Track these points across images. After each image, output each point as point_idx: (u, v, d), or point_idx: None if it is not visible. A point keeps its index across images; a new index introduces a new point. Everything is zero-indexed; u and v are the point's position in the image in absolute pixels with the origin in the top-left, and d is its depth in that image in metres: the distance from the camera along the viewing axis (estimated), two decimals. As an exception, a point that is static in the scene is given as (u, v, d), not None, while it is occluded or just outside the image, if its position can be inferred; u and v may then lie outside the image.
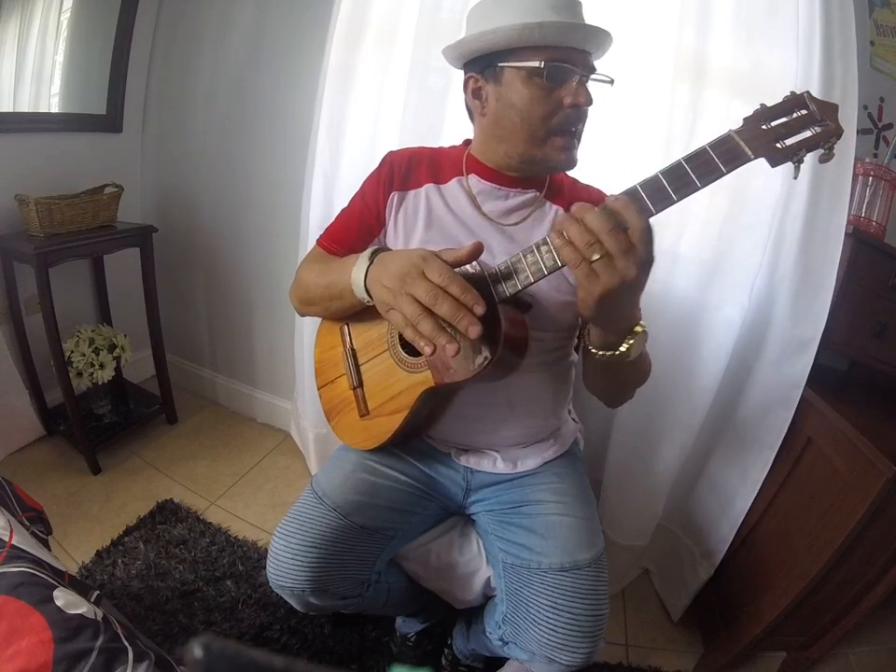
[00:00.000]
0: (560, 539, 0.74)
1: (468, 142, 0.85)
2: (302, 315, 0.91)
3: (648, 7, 0.98)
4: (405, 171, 0.81)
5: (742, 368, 1.07)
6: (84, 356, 1.46)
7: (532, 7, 0.66)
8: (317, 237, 0.88)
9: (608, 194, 0.82)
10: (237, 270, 1.70)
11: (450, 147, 0.87)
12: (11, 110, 1.39)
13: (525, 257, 0.62)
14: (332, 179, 1.23)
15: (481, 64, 0.73)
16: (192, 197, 1.69)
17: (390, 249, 0.74)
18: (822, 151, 0.51)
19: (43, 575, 0.59)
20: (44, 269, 1.28)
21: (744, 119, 0.52)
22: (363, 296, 0.69)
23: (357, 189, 0.87)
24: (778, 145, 0.51)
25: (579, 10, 0.70)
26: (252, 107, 1.49)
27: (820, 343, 0.97)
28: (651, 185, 0.54)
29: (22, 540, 0.65)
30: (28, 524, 0.77)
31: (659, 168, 0.54)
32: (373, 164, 1.18)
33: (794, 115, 0.51)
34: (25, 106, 1.42)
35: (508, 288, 0.64)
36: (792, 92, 0.52)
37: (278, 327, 1.67)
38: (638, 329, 0.62)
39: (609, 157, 1.04)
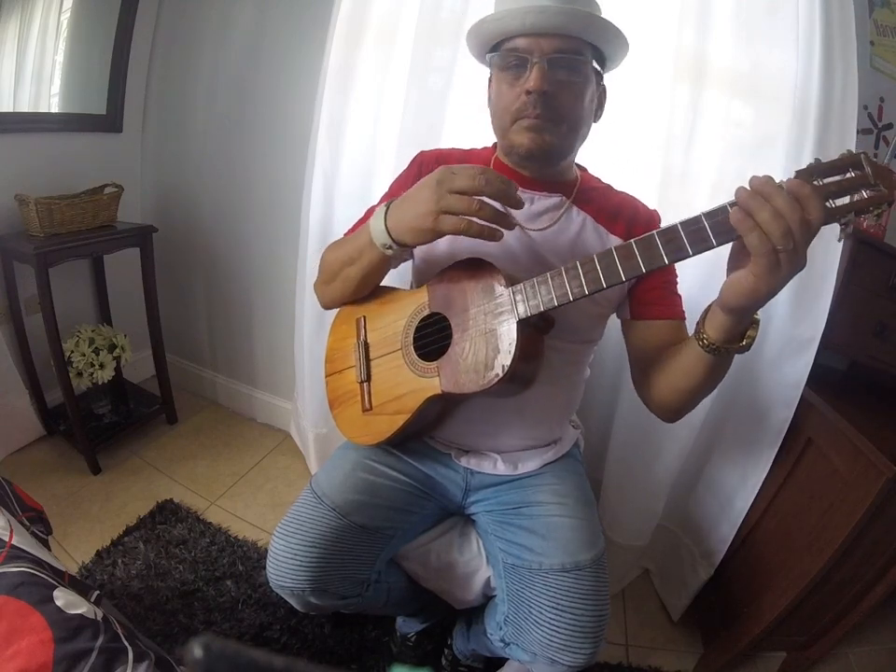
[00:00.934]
0: (561, 540, 0.74)
1: (496, 145, 0.84)
2: (326, 307, 0.89)
3: (648, 7, 0.98)
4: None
5: (742, 368, 1.07)
6: (84, 356, 1.46)
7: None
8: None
9: (640, 200, 0.81)
10: (237, 270, 1.70)
11: (481, 149, 0.86)
12: (11, 110, 1.39)
13: (551, 278, 0.61)
14: (332, 179, 1.23)
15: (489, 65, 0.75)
16: (192, 197, 1.69)
17: None
18: (870, 216, 0.49)
19: (43, 575, 0.59)
20: (44, 269, 1.28)
21: (796, 172, 0.49)
22: (384, 240, 0.67)
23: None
24: (828, 203, 0.48)
25: None
26: (252, 107, 1.49)
27: (820, 342, 0.97)
28: (693, 225, 0.52)
29: (22, 540, 0.65)
30: (28, 524, 0.77)
31: (703, 210, 0.52)
32: (373, 164, 1.20)
33: (847, 174, 0.49)
34: (25, 106, 1.42)
35: (530, 308, 0.62)
36: (849, 151, 0.50)
37: (278, 327, 1.67)
38: (757, 316, 0.58)
39: (609, 157, 1.04)
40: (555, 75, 0.67)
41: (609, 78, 0.77)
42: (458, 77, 1.09)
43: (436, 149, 0.86)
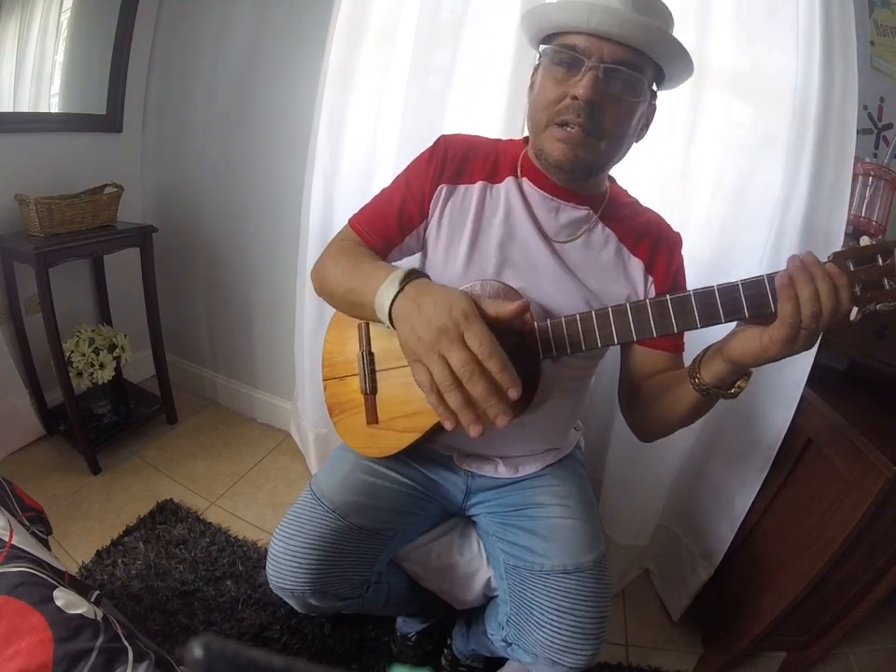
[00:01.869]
0: (562, 542, 0.74)
1: (527, 139, 0.77)
2: (320, 296, 0.82)
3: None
4: (460, 161, 0.75)
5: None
6: (84, 356, 1.46)
7: None
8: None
9: (664, 220, 0.79)
10: (237, 270, 1.70)
11: (507, 141, 0.80)
12: (11, 110, 1.39)
13: (581, 322, 0.59)
14: (332, 179, 1.23)
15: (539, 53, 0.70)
16: (192, 197, 1.69)
17: (426, 276, 0.63)
18: (885, 305, 0.50)
19: (43, 575, 0.59)
20: (44, 269, 1.28)
21: (834, 254, 0.51)
22: (386, 322, 0.61)
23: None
24: (855, 289, 0.50)
25: (646, 9, 0.61)
26: (252, 107, 1.49)
27: (820, 343, 0.96)
28: (730, 293, 0.53)
29: (22, 540, 0.65)
30: (28, 524, 0.77)
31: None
32: (373, 164, 1.20)
33: (877, 262, 0.50)
34: (25, 106, 1.41)
35: (556, 350, 0.60)
36: (881, 239, 0.51)
37: (278, 327, 1.67)
38: (750, 371, 0.59)
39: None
40: (608, 86, 0.62)
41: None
42: (458, 76, 1.09)
43: (462, 136, 0.78)
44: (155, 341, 1.67)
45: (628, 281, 0.76)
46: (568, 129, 0.64)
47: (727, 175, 1.00)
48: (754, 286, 0.52)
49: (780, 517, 1.05)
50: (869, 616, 1.00)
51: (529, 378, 0.59)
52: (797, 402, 1.00)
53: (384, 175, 1.18)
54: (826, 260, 0.51)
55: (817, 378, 0.99)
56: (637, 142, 0.73)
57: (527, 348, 0.61)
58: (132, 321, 1.74)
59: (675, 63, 0.66)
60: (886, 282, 0.50)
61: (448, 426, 0.53)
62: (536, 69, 0.71)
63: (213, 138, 1.58)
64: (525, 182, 0.74)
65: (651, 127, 0.75)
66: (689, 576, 1.21)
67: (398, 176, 0.79)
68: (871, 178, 1.01)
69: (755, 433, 1.06)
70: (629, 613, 1.27)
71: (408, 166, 0.79)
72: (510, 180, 0.75)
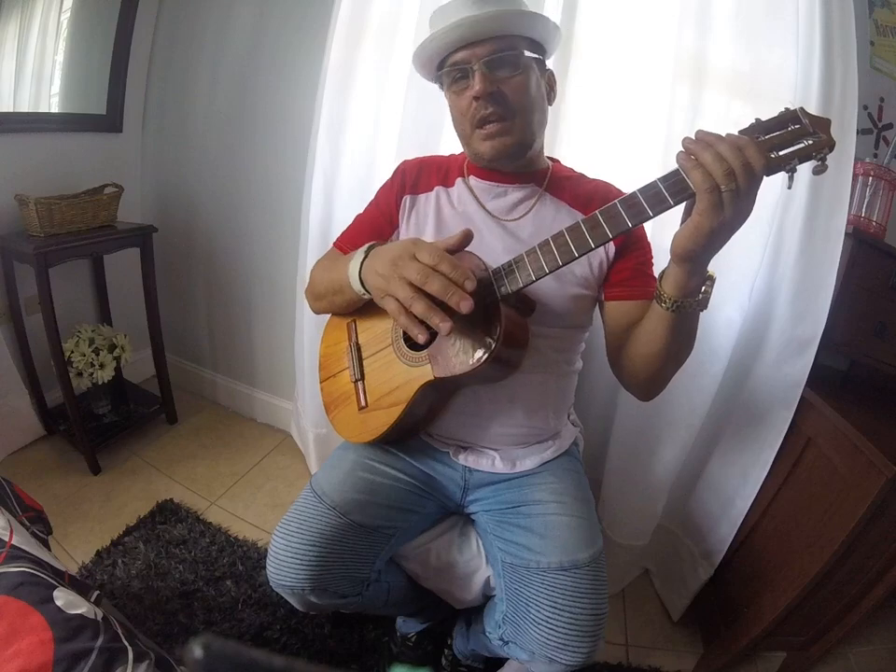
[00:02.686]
0: (559, 539, 0.74)
1: None
2: (317, 313, 0.92)
3: (648, 7, 0.98)
4: (416, 176, 0.86)
5: (742, 368, 1.07)
6: (84, 356, 1.46)
7: (450, 12, 0.71)
8: (336, 235, 0.92)
9: (613, 185, 0.83)
10: (237, 270, 1.70)
11: (459, 154, 0.90)
12: (11, 110, 1.39)
13: (526, 256, 0.64)
14: (332, 179, 1.23)
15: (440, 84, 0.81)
16: (192, 197, 1.69)
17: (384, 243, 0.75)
18: (816, 163, 0.53)
19: (43, 575, 0.59)
20: (44, 269, 1.28)
21: (739, 131, 0.54)
22: (359, 288, 0.71)
23: (360, 191, 0.88)
24: (772, 154, 0.53)
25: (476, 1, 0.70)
26: (252, 107, 1.49)
27: (820, 342, 0.97)
28: (650, 189, 0.56)
29: (22, 540, 0.65)
30: (28, 524, 0.77)
31: (658, 175, 0.56)
32: (373, 164, 1.20)
33: (788, 129, 0.53)
34: (25, 106, 1.42)
35: (510, 285, 0.65)
36: (787, 108, 0.54)
37: (278, 327, 1.67)
38: (712, 273, 0.62)
39: (609, 157, 1.04)
40: (496, 74, 0.71)
41: (614, 78, 0.78)
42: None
43: (417, 158, 0.90)
44: (155, 341, 1.67)
45: None
46: (487, 126, 0.73)
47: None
48: (670, 175, 0.55)
49: (780, 517, 1.05)
50: (869, 616, 1.00)
51: (491, 318, 0.66)
52: (797, 402, 1.00)
53: (384, 175, 1.17)
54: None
55: (817, 378, 0.99)
56: (550, 105, 0.81)
57: (486, 301, 0.66)
58: (132, 321, 1.74)
59: (536, 29, 0.74)
60: (804, 141, 0.52)
61: (420, 339, 0.61)
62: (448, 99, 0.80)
63: (213, 138, 1.58)
64: (472, 179, 0.84)
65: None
66: (689, 576, 1.21)
67: (369, 203, 0.92)
68: (871, 178, 1.01)
69: (755, 433, 1.06)
70: (629, 613, 1.27)
71: (376, 193, 0.91)
72: (459, 181, 0.85)
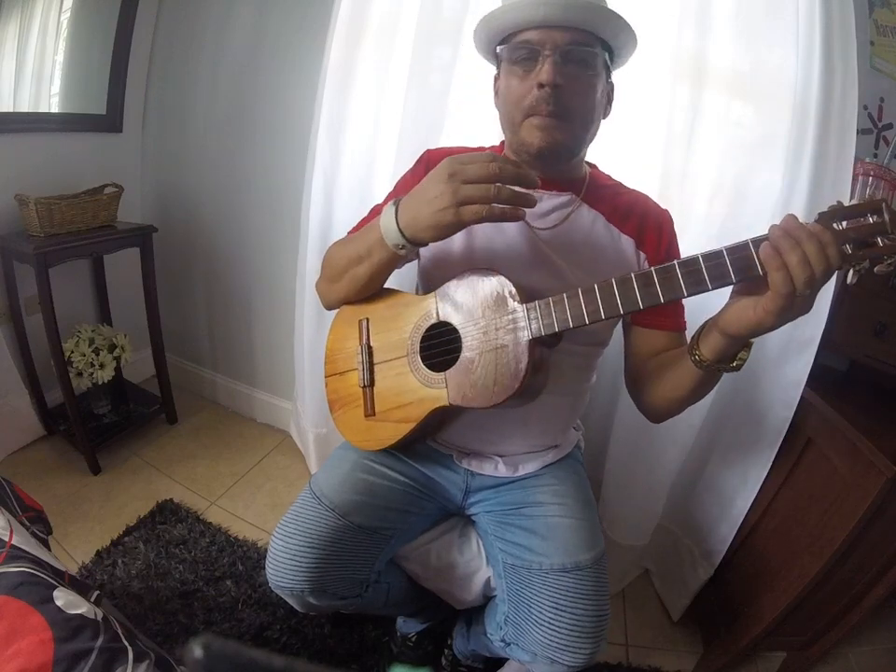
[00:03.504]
0: (561, 540, 0.74)
1: (503, 143, 0.83)
2: (329, 307, 0.86)
3: (648, 7, 0.98)
4: None
5: (742, 368, 1.07)
6: (84, 356, 1.46)
7: None
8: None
9: (651, 198, 0.81)
10: (237, 270, 1.70)
11: (489, 148, 0.85)
12: (11, 110, 1.39)
13: (567, 299, 0.60)
14: (332, 179, 1.23)
15: (497, 59, 0.74)
16: (192, 197, 1.69)
17: None
18: (883, 265, 0.49)
19: (43, 575, 0.59)
20: (44, 269, 1.28)
21: (819, 214, 0.50)
22: (397, 240, 0.65)
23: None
24: (845, 248, 0.49)
25: None
26: (252, 107, 1.49)
27: (820, 342, 0.97)
28: (714, 258, 0.52)
29: (22, 540, 0.65)
30: (28, 524, 0.77)
31: (724, 244, 0.52)
32: (373, 164, 1.20)
33: (867, 220, 0.49)
34: (25, 106, 1.41)
35: (544, 328, 0.61)
36: (871, 197, 0.50)
37: (278, 326, 1.67)
38: (751, 341, 0.59)
39: (609, 156, 1.04)
40: (567, 68, 0.66)
41: (614, 78, 0.77)
42: (459, 76, 1.09)
43: (443, 148, 0.84)
44: (155, 341, 1.67)
45: (620, 258, 0.77)
46: (543, 117, 0.68)
47: (727, 175, 1.00)
48: (738, 250, 0.51)
49: (780, 517, 1.05)
50: (869, 616, 1.00)
51: (519, 355, 0.63)
52: (797, 402, 1.00)
53: (384, 175, 1.18)
54: (813, 221, 0.50)
55: (817, 378, 0.99)
56: (604, 118, 0.76)
57: (517, 326, 0.63)
58: (132, 321, 1.74)
59: (619, 38, 0.70)
60: (879, 239, 0.48)
61: (520, 215, 0.59)
62: (497, 77, 0.76)
63: (213, 138, 1.58)
64: None
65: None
66: (689, 576, 1.20)
67: (388, 194, 0.86)
68: (871, 178, 1.01)
69: (755, 433, 1.06)
70: (629, 613, 1.27)
71: (396, 183, 0.85)
72: None
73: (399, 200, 0.66)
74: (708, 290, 0.53)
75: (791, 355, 0.99)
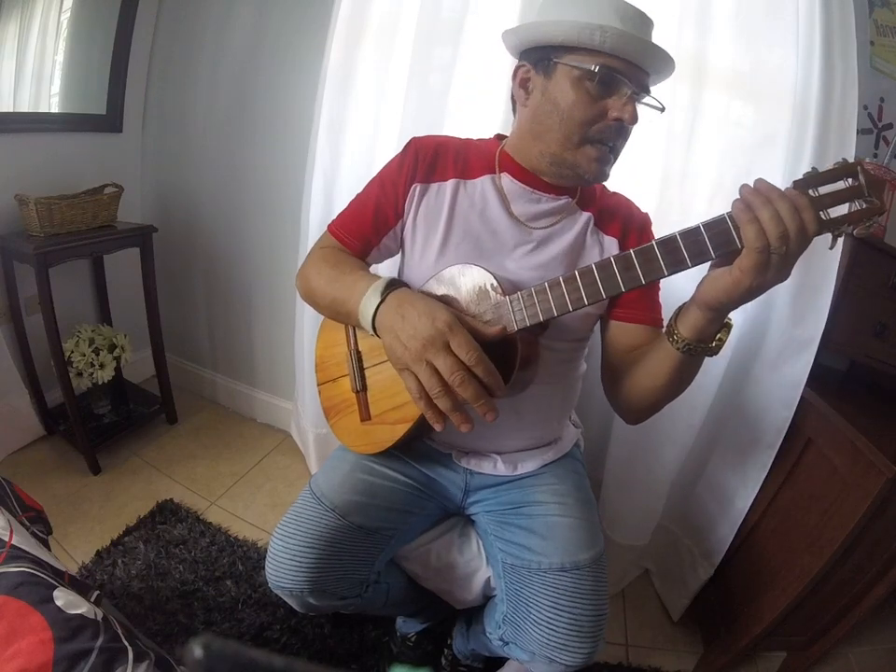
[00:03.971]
0: (560, 540, 0.74)
1: (500, 137, 0.83)
2: (307, 303, 0.85)
3: (648, 7, 0.98)
4: (430, 161, 0.77)
5: (742, 368, 1.07)
6: (84, 356, 1.46)
7: (599, 9, 0.64)
8: (329, 222, 0.82)
9: (633, 202, 0.82)
10: (237, 270, 1.70)
11: (479, 140, 0.83)
12: (11, 110, 1.39)
13: (549, 289, 0.60)
14: (332, 179, 1.23)
15: (536, 56, 0.70)
16: (192, 197, 1.69)
17: (406, 285, 0.69)
18: (862, 227, 0.50)
19: (43, 575, 0.59)
20: (44, 269, 1.28)
21: (794, 182, 0.50)
22: (369, 329, 0.66)
23: (358, 189, 0.83)
24: (822, 215, 0.50)
25: (647, 29, 0.68)
26: (252, 107, 1.49)
27: (820, 342, 0.97)
28: (692, 236, 0.53)
29: (22, 540, 0.65)
30: (28, 524, 0.77)
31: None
32: (373, 164, 1.20)
33: (843, 183, 0.50)
34: (25, 106, 1.41)
35: (529, 318, 0.62)
36: (844, 159, 0.51)
37: (278, 326, 1.67)
38: (730, 321, 0.59)
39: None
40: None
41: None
42: (459, 76, 1.09)
43: (431, 136, 0.80)
44: (155, 341, 1.67)
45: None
46: (603, 148, 0.68)
47: (727, 175, 1.00)
48: (716, 224, 0.52)
49: (780, 517, 1.05)
50: (869, 616, 1.00)
51: (508, 357, 0.62)
52: (797, 402, 1.00)
53: (383, 174, 1.18)
54: (787, 188, 0.50)
55: (817, 378, 0.99)
56: None
57: (502, 318, 0.63)
58: (132, 321, 1.74)
59: (661, 79, 0.71)
60: (857, 203, 0.49)
61: (438, 427, 0.59)
62: (531, 76, 0.71)
63: (213, 138, 1.58)
64: (505, 177, 0.77)
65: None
66: (689, 576, 1.21)
67: (371, 181, 0.81)
68: (871, 178, 1.01)
69: (755, 433, 1.06)
70: (629, 613, 1.27)
71: (381, 170, 0.81)
72: (486, 178, 0.77)
73: (390, 290, 0.64)
74: (689, 268, 0.53)
75: (790, 355, 1.00)
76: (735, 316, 1.00)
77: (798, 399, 1.00)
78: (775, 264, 0.50)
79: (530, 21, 0.70)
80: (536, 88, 0.71)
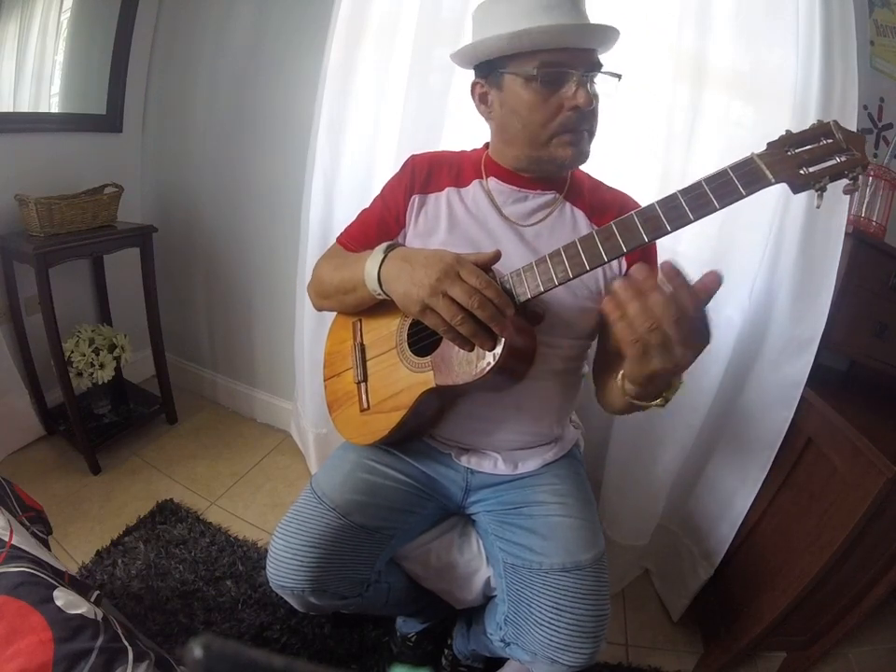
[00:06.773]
0: (561, 540, 0.74)
1: (487, 144, 0.86)
2: (319, 310, 0.91)
3: (648, 7, 0.98)
4: (426, 174, 0.83)
5: (742, 368, 1.07)
6: (84, 356, 1.46)
7: (522, 11, 0.66)
8: (337, 236, 0.89)
9: (631, 197, 0.82)
10: (237, 270, 1.70)
11: (471, 151, 0.88)
12: (11, 110, 1.39)
13: (536, 265, 0.63)
14: (332, 179, 1.23)
15: (485, 71, 0.74)
16: (192, 197, 1.69)
17: (404, 245, 0.74)
18: (847, 181, 0.50)
19: (43, 575, 0.59)
20: (44, 269, 1.28)
21: (768, 144, 0.51)
22: (375, 288, 0.70)
23: (360, 192, 0.87)
24: (801, 171, 0.50)
25: (578, 7, 0.68)
26: (252, 107, 1.49)
27: (820, 342, 0.97)
28: (669, 202, 0.54)
29: (22, 540, 0.65)
30: (28, 524, 0.77)
31: (678, 187, 0.54)
32: (373, 164, 1.20)
33: (820, 143, 0.50)
34: (25, 106, 1.41)
35: (518, 296, 0.64)
36: (819, 120, 0.51)
37: (278, 326, 1.67)
38: (677, 382, 0.60)
39: (609, 157, 1.04)
40: (591, 89, 0.69)
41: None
42: (459, 76, 1.09)
43: (427, 153, 0.86)
44: (155, 341, 1.67)
45: None
46: (573, 134, 0.70)
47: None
48: (692, 188, 0.53)
49: (780, 517, 1.05)
50: (869, 616, 1.00)
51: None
52: (797, 402, 1.00)
53: (384, 175, 1.17)
54: (762, 150, 0.51)
55: (817, 378, 0.99)
56: None
57: None
58: (132, 321, 1.74)
59: (611, 47, 0.73)
60: (836, 158, 0.49)
61: (467, 348, 0.63)
62: (483, 88, 0.75)
63: (213, 138, 1.58)
64: (492, 181, 0.81)
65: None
66: (689, 576, 1.21)
67: (375, 198, 0.88)
68: (871, 178, 1.01)
69: (755, 433, 1.06)
70: (629, 613, 1.27)
71: (383, 188, 0.87)
72: (475, 182, 0.82)
73: (391, 249, 0.69)
74: (668, 233, 0.54)
75: (790, 355, 1.00)
76: (735, 316, 1.02)
77: (798, 398, 1.00)
78: (655, 352, 0.50)
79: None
80: (494, 101, 0.75)
